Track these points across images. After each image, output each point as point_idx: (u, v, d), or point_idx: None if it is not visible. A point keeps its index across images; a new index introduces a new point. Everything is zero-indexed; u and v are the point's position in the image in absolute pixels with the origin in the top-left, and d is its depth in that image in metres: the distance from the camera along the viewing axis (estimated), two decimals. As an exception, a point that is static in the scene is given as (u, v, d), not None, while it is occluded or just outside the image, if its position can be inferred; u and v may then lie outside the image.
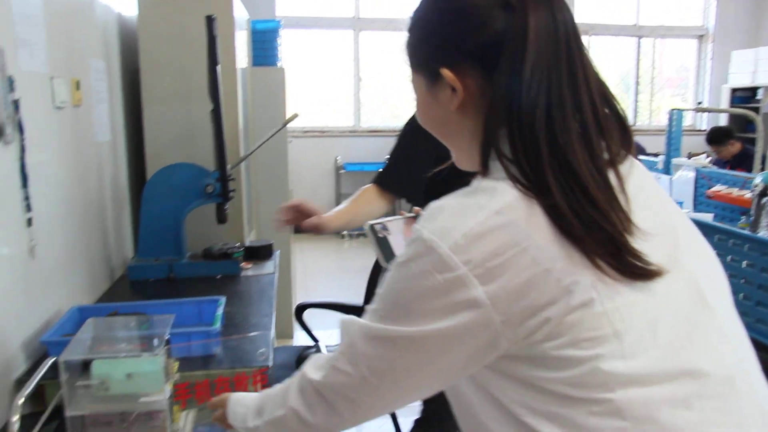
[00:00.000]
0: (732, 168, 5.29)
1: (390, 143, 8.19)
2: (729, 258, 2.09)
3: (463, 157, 0.96)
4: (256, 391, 1.48)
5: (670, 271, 0.80)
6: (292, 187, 4.79)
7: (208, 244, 2.71)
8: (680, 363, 0.78)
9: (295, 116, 2.86)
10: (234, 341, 1.77)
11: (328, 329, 4.11)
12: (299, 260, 6.13)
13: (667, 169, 4.25)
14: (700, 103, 7.89)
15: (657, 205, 0.90)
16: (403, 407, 0.93)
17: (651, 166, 4.49)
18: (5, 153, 1.65)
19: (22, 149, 1.71)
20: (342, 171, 7.36)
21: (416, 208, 1.31)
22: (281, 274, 4.01)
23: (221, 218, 2.59)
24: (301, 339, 3.85)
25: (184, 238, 2.60)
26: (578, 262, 0.77)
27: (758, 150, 4.36)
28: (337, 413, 0.89)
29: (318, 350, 2.61)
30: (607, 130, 0.84)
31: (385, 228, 1.23)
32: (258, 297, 2.33)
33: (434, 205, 0.83)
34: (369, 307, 0.86)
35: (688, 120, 8.11)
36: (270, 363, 1.60)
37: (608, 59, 8.17)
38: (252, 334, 1.80)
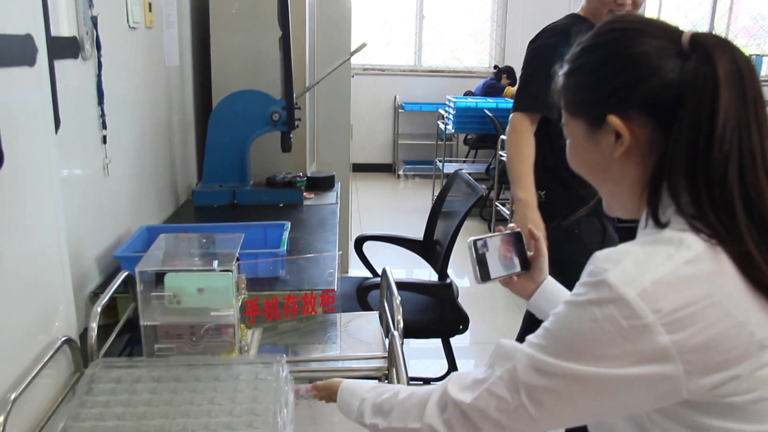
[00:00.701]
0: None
1: (450, 83, 8.10)
2: None
3: (616, 204, 0.93)
4: (323, 311, 1.50)
5: None
6: (352, 124, 4.78)
7: (271, 172, 2.73)
8: None
9: (363, 45, 2.82)
10: (301, 262, 1.79)
11: (386, 264, 4.18)
12: (355, 196, 6.17)
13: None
14: None
15: None
16: None
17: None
18: (84, 69, 1.67)
19: (99, 66, 1.73)
20: (401, 110, 7.29)
21: (511, 225, 1.28)
22: (341, 207, 4.05)
23: (286, 147, 2.60)
24: (357, 273, 3.90)
25: (248, 165, 2.62)
26: None
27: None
28: None
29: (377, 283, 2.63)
30: None
31: (485, 245, 1.22)
32: (321, 225, 2.35)
33: (617, 249, 0.80)
34: (534, 341, 0.84)
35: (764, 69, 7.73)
36: (336, 286, 1.61)
37: (680, 3, 7.79)
38: (318, 255, 1.82)
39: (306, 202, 2.68)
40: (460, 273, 4.59)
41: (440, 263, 2.36)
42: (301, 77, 2.93)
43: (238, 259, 1.35)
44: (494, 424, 0.85)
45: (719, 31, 7.80)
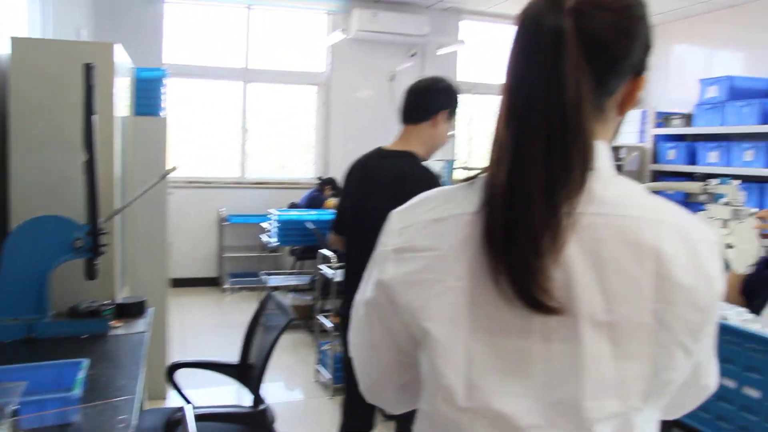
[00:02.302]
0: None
1: (275, 195, 8.23)
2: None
3: None
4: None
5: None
6: (172, 240, 4.65)
7: (75, 300, 2.57)
8: None
9: (173, 169, 2.80)
10: (95, 408, 1.67)
11: (203, 388, 4.00)
12: (177, 316, 5.92)
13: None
14: None
15: None
16: None
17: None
18: None
19: None
20: (225, 223, 7.23)
21: None
22: (155, 331, 3.86)
23: (91, 274, 2.47)
24: (175, 399, 3.70)
25: (47, 295, 2.45)
26: None
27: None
28: None
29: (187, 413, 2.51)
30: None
31: None
32: (128, 357, 2.22)
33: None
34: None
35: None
36: (130, 431, 1.52)
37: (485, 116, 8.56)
38: (115, 399, 1.70)
39: (114, 332, 2.53)
40: (284, 390, 4.50)
41: (254, 388, 2.30)
42: (110, 200, 2.84)
43: (15, 413, 1.24)
44: None
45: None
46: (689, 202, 6.03)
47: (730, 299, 2.50)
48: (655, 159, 7.31)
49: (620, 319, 0.78)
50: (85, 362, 1.84)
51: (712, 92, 6.65)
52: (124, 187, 3.30)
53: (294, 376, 4.59)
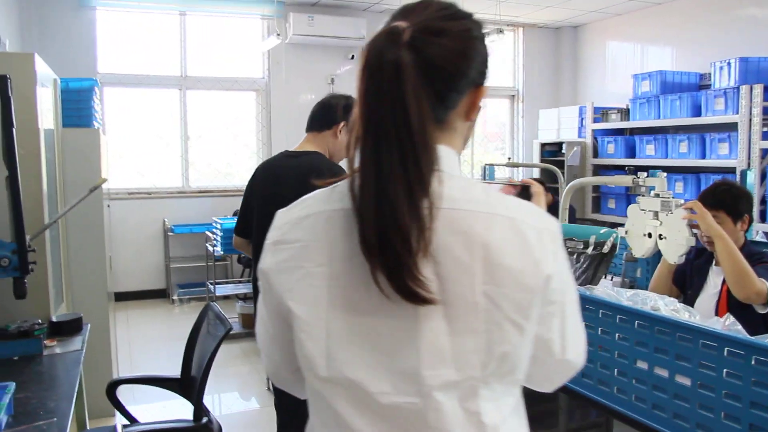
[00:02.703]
0: (544, 218, 5.70)
1: (219, 202, 8.11)
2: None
3: None
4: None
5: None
6: (110, 253, 4.54)
7: (5, 321, 2.47)
8: None
9: (102, 182, 2.73)
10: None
11: (153, 403, 3.91)
12: (125, 330, 5.79)
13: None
14: (509, 158, 8.49)
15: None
16: None
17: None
18: None
19: None
20: (170, 233, 7.09)
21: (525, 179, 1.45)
22: (98, 347, 3.77)
23: (19, 293, 2.38)
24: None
25: (-26, 317, 2.36)
26: None
27: (560, 199, 4.72)
28: None
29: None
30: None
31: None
32: (60, 378, 2.15)
33: None
34: None
35: (506, 173, 8.70)
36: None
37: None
38: (44, 422, 1.64)
39: (49, 351, 2.45)
40: (239, 400, 4.45)
41: (195, 401, 2.26)
42: (38, 216, 2.74)
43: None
44: None
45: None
46: (631, 194, 6.18)
47: (661, 289, 2.57)
48: (596, 153, 7.47)
49: (453, 299, 0.90)
50: (11, 386, 1.77)
51: (645, 87, 6.83)
52: (54, 202, 3.20)
53: (247, 385, 4.53)
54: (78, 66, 6.45)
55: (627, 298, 1.90)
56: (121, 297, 6.62)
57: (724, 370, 1.55)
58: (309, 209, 0.99)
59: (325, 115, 2.56)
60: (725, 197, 2.49)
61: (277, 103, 7.54)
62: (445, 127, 0.99)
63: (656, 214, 2.44)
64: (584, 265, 2.33)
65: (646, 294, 1.92)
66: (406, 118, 0.88)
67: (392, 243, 0.87)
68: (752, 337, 1.55)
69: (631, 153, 7.02)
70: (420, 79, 0.89)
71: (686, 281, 2.65)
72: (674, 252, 2.39)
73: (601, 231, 2.37)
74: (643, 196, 2.48)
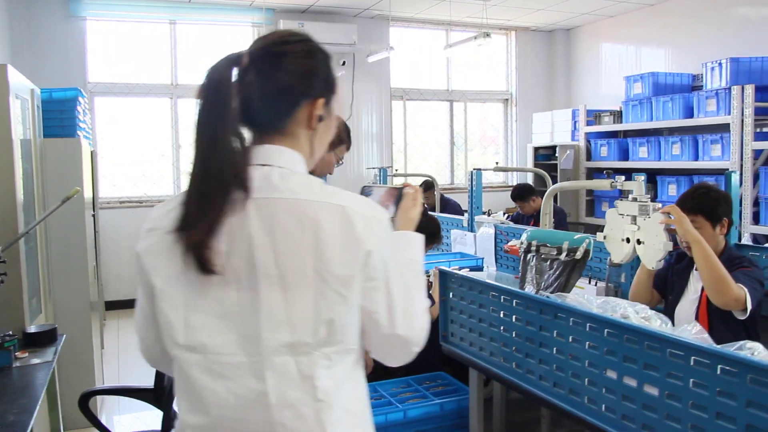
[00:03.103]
0: (535, 222, 5.67)
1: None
2: (501, 313, 2.20)
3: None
4: None
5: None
6: (102, 262, 4.51)
7: (-24, 334, 2.44)
8: None
9: (75, 192, 2.69)
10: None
11: (134, 413, 3.85)
12: (113, 339, 5.76)
13: (471, 227, 4.46)
14: (497, 163, 8.45)
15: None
16: None
17: (458, 224, 4.70)
18: None
19: None
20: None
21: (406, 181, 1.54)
22: (78, 357, 3.73)
23: (-12, 305, 2.35)
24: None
25: (-58, 330, 2.32)
26: None
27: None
28: None
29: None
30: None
31: (371, 192, 1.50)
32: (27, 391, 2.11)
33: None
34: None
35: (501, 178, 8.67)
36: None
37: (424, 122, 8.59)
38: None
39: (20, 363, 2.41)
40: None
41: (165, 410, 2.21)
42: (13, 226, 2.72)
43: None
44: None
45: (460, 142, 8.67)
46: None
47: (641, 295, 2.52)
48: (589, 156, 7.43)
49: (287, 272, 1.06)
50: (-32, 401, 1.74)
51: (638, 89, 6.79)
52: (32, 212, 3.16)
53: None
54: (68, 76, 6.44)
55: (597, 305, 1.86)
56: (113, 306, 6.59)
57: (691, 380, 1.51)
58: (175, 202, 1.12)
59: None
60: (703, 201, 2.44)
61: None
62: (286, 132, 1.17)
63: (634, 218, 2.40)
64: (557, 272, 2.29)
65: (616, 301, 1.87)
66: (214, 127, 1.08)
67: (197, 227, 1.06)
68: (718, 346, 1.50)
69: (624, 155, 6.98)
70: (241, 95, 1.11)
71: (667, 286, 2.61)
72: (652, 257, 2.35)
73: (575, 237, 2.33)
74: (621, 200, 2.43)
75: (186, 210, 1.08)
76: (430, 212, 3.52)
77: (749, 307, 2.23)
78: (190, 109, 7.36)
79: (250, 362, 1.07)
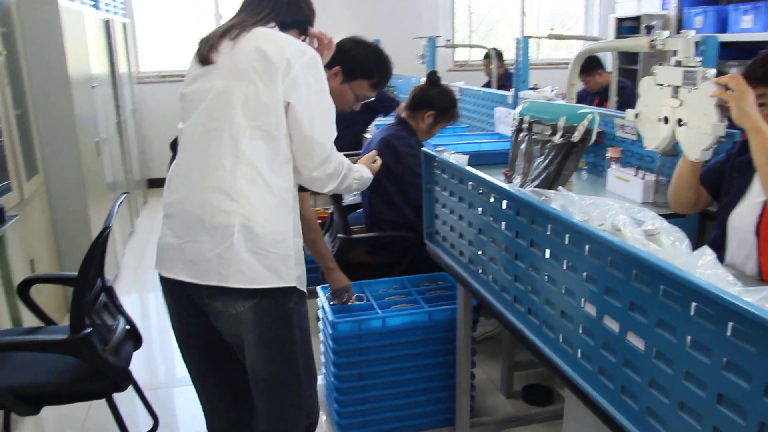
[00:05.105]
0: (600, 101, 4.92)
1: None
2: (480, 209, 1.68)
3: None
4: None
5: None
6: (146, 141, 4.22)
7: None
8: None
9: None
10: None
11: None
12: (153, 217, 5.61)
13: (515, 104, 3.82)
14: (552, 29, 7.47)
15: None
16: None
17: (502, 100, 4.08)
18: None
19: None
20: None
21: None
22: (76, 240, 3.50)
23: None
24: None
25: None
26: None
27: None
28: None
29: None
30: None
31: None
32: None
33: None
34: None
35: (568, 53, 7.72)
36: None
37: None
38: None
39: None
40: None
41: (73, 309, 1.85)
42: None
43: None
44: None
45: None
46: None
47: (683, 194, 1.93)
48: (680, 28, 6.41)
49: (239, 72, 1.55)
50: None
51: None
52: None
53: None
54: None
55: (581, 208, 1.29)
56: (156, 183, 6.41)
57: (688, 338, 0.97)
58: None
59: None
60: (780, 69, 1.75)
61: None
62: None
63: (676, 90, 1.75)
64: (548, 158, 1.69)
65: (608, 204, 1.29)
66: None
67: None
68: (733, 291, 0.93)
69: (723, 27, 5.96)
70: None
71: (723, 183, 1.97)
72: (696, 144, 1.71)
73: (578, 111, 1.70)
74: (661, 65, 1.78)
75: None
76: (443, 84, 2.94)
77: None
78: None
79: (212, 130, 1.56)
